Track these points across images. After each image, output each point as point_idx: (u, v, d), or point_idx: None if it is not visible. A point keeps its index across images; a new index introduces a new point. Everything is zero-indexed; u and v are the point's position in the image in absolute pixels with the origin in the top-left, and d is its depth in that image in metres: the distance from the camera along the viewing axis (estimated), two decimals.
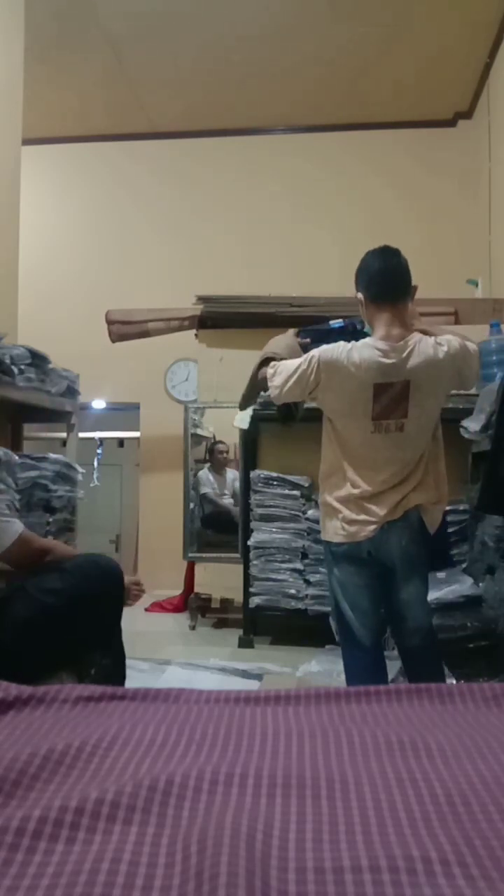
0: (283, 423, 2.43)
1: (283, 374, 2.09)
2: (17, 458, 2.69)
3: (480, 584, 2.72)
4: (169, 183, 5.23)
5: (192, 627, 4.07)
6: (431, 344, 2.01)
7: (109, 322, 4.20)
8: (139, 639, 3.94)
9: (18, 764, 0.85)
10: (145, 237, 5.23)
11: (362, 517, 2.03)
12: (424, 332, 2.05)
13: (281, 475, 3.76)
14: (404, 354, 1.97)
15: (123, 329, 4.21)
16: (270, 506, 3.73)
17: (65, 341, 4.10)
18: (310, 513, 3.67)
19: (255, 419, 3.89)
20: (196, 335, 4.19)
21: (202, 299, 4.00)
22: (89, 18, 3.94)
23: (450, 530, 3.35)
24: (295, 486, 3.74)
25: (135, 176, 5.27)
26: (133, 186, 5.28)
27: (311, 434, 3.92)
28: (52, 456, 3.07)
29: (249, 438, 3.92)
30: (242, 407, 2.63)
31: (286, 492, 3.74)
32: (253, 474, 3.79)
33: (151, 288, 4.92)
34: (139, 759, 0.91)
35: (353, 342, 2.04)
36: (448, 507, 3.36)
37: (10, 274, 3.36)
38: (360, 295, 2.07)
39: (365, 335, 2.10)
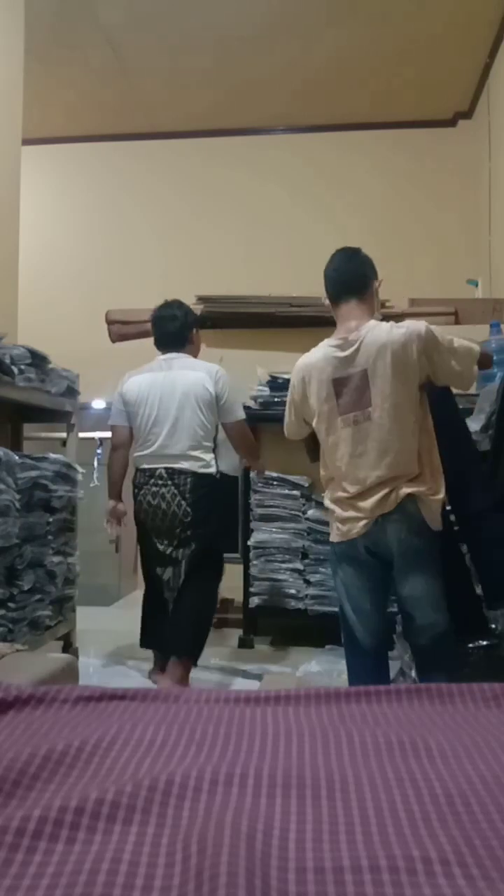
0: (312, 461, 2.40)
1: (286, 414, 2.27)
2: (17, 458, 2.69)
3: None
4: (169, 183, 5.23)
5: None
6: (386, 328, 2.02)
7: (109, 322, 4.20)
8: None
9: (18, 764, 0.85)
10: (145, 237, 5.23)
11: (351, 513, 2.05)
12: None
13: (281, 475, 3.76)
14: (356, 345, 2.01)
15: (123, 329, 4.20)
16: (270, 506, 3.73)
17: (65, 341, 4.09)
18: (310, 513, 3.67)
19: (255, 418, 3.89)
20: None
21: (202, 299, 3.99)
22: (89, 18, 3.94)
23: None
24: (295, 486, 3.73)
25: (134, 176, 5.28)
26: (133, 186, 5.28)
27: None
28: (52, 456, 3.07)
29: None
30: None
31: (286, 492, 3.74)
32: (253, 474, 3.78)
33: (151, 288, 4.90)
34: (139, 759, 0.91)
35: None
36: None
37: (10, 274, 3.36)
38: (325, 301, 2.19)
39: None
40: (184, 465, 2.82)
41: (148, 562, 2.97)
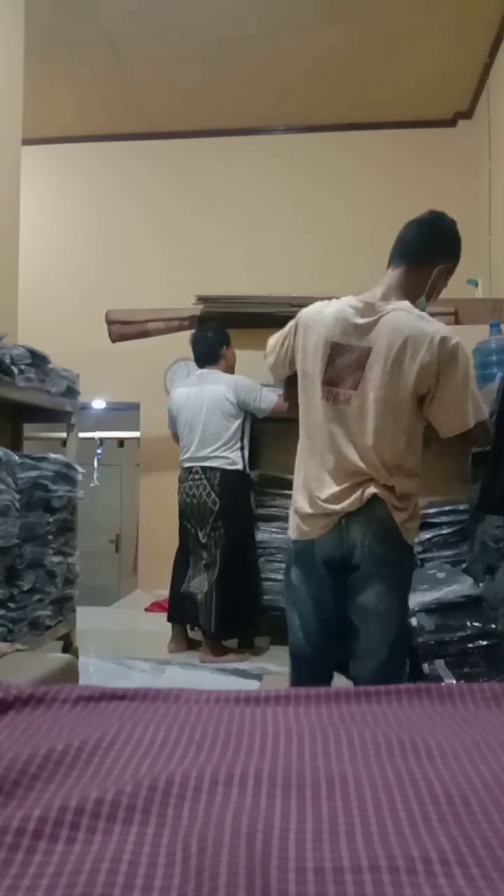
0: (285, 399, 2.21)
1: (270, 344, 2.00)
2: (17, 458, 2.69)
3: (480, 584, 2.71)
4: (169, 183, 5.23)
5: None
6: (412, 316, 1.73)
7: (109, 322, 4.20)
8: (139, 639, 3.94)
9: (18, 764, 0.85)
10: (145, 237, 5.23)
11: (311, 509, 1.82)
12: None
13: (281, 475, 3.76)
14: (376, 317, 1.74)
15: (123, 329, 4.21)
16: (270, 506, 3.73)
17: (65, 341, 4.09)
18: None
19: (254, 419, 3.89)
20: None
21: (202, 299, 4.00)
22: (89, 18, 3.94)
23: (450, 530, 3.34)
24: None
25: (135, 176, 5.27)
26: (133, 186, 5.28)
27: None
28: (52, 456, 3.07)
29: (249, 438, 3.91)
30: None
31: (286, 492, 3.73)
32: (253, 474, 3.78)
33: (151, 288, 4.91)
34: (139, 759, 0.91)
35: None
36: (447, 508, 3.39)
37: (10, 274, 3.36)
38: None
39: None
40: (213, 463, 3.40)
41: (183, 547, 3.56)
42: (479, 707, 1.15)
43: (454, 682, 2.17)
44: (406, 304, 1.78)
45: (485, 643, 2.43)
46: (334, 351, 1.77)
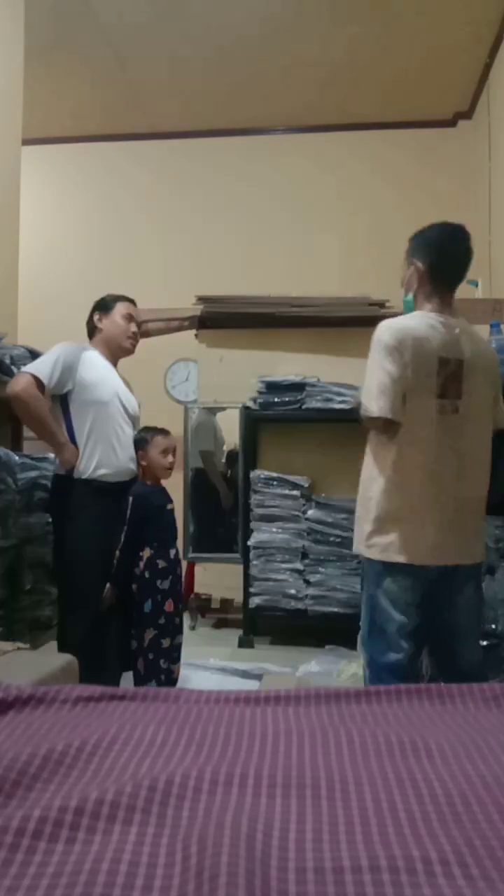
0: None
1: (383, 388, 1.83)
2: (17, 458, 2.69)
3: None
4: (169, 183, 5.23)
5: (192, 628, 4.07)
6: (476, 331, 1.94)
7: None
8: None
9: (18, 764, 0.85)
10: (145, 237, 5.23)
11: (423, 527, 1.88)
12: None
13: (281, 475, 3.76)
14: (457, 331, 1.88)
15: None
16: (270, 506, 3.73)
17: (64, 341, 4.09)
18: (310, 513, 3.67)
19: (254, 419, 3.90)
20: (196, 335, 4.20)
21: (202, 299, 3.99)
22: (89, 18, 3.94)
23: None
24: (295, 486, 3.74)
25: (134, 176, 5.27)
26: (133, 186, 5.27)
27: (311, 434, 3.95)
28: (52, 456, 3.06)
29: (249, 438, 3.92)
30: None
31: (286, 492, 3.74)
32: (253, 474, 3.79)
33: (151, 288, 4.90)
34: (139, 759, 0.91)
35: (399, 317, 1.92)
36: None
37: (10, 274, 3.36)
38: (418, 263, 1.92)
39: None
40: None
41: None
42: (478, 707, 1.15)
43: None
44: (463, 319, 1.94)
45: (485, 643, 2.42)
46: (441, 364, 1.83)
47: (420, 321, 1.85)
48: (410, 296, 1.98)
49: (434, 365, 1.81)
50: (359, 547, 1.93)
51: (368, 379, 1.84)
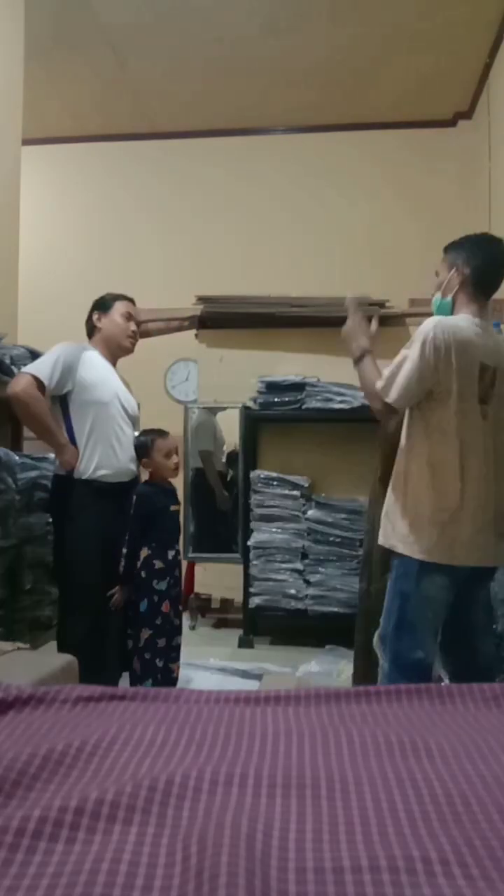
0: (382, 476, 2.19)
1: (402, 375, 1.86)
2: (17, 458, 2.69)
3: None
4: (169, 183, 5.23)
5: (192, 627, 4.08)
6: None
7: None
8: None
9: (18, 764, 0.85)
10: (145, 237, 5.23)
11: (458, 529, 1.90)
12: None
13: (281, 475, 3.76)
14: (492, 339, 1.93)
15: None
16: (270, 506, 3.73)
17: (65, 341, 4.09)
18: (310, 513, 3.67)
19: (254, 419, 3.90)
20: (196, 335, 4.19)
21: (202, 299, 3.99)
22: (89, 18, 3.94)
23: None
24: (295, 486, 3.74)
25: (134, 176, 5.27)
26: (133, 186, 5.27)
27: (311, 434, 3.95)
28: (52, 456, 3.06)
29: (249, 438, 3.92)
30: None
31: (286, 492, 3.74)
32: (253, 474, 3.79)
33: (151, 288, 4.90)
34: (139, 759, 0.91)
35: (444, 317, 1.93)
36: None
37: (10, 274, 3.36)
38: (462, 269, 1.96)
39: None
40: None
41: None
42: (478, 707, 1.15)
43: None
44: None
45: None
46: (482, 370, 1.87)
47: (468, 324, 1.89)
48: (442, 298, 2.00)
49: (476, 369, 1.85)
50: (392, 542, 1.94)
51: (398, 366, 1.86)
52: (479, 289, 1.96)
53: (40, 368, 2.35)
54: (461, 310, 1.95)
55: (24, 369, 2.41)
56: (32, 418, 2.38)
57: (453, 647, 2.00)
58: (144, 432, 2.62)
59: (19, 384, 2.30)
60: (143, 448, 2.54)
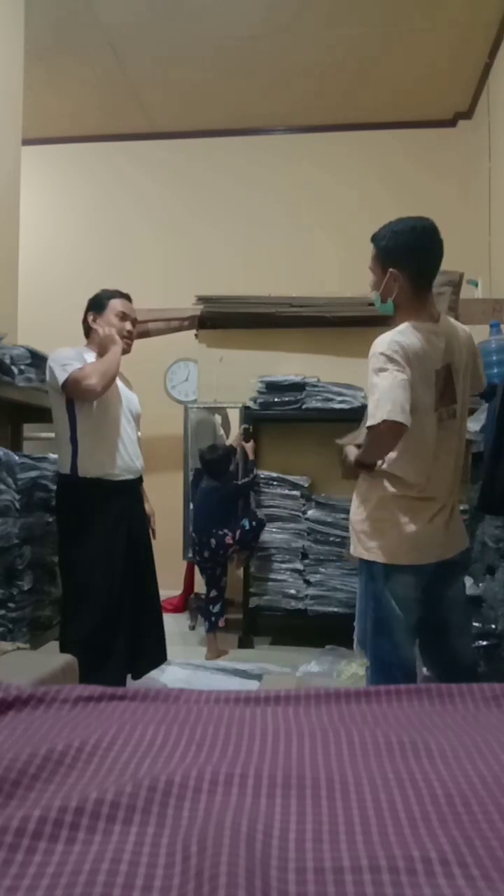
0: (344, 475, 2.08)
1: (398, 397, 1.72)
2: (17, 458, 2.68)
3: (480, 584, 2.71)
4: (168, 183, 5.23)
5: (192, 627, 4.07)
6: (456, 323, 1.94)
7: None
8: None
9: (18, 764, 0.85)
10: (145, 237, 5.23)
11: (429, 530, 1.92)
12: None
13: (281, 475, 3.76)
14: (444, 336, 1.86)
15: None
16: (270, 506, 3.73)
17: (65, 341, 4.09)
18: (310, 513, 3.67)
19: (254, 419, 3.90)
20: (196, 335, 4.20)
21: (202, 299, 4.00)
22: (89, 19, 3.94)
23: None
24: (295, 486, 3.74)
25: (134, 176, 5.27)
26: (132, 187, 5.28)
27: (311, 434, 3.95)
28: (52, 456, 3.06)
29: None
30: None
31: (286, 492, 3.74)
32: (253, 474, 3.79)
33: (151, 288, 4.91)
34: (139, 759, 0.91)
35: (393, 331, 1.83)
36: None
37: (10, 274, 3.36)
38: (396, 275, 1.84)
39: None
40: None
41: None
42: (479, 707, 1.15)
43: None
44: (443, 315, 1.93)
45: (485, 643, 2.43)
46: (437, 376, 1.83)
47: (414, 338, 1.79)
48: (382, 302, 1.90)
49: (432, 379, 1.82)
50: (358, 550, 1.94)
51: (380, 391, 1.72)
52: (419, 289, 1.85)
53: (70, 367, 2.40)
54: (407, 316, 1.85)
55: (61, 377, 2.40)
56: (108, 373, 2.41)
57: (432, 649, 2.02)
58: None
59: (79, 380, 2.35)
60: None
